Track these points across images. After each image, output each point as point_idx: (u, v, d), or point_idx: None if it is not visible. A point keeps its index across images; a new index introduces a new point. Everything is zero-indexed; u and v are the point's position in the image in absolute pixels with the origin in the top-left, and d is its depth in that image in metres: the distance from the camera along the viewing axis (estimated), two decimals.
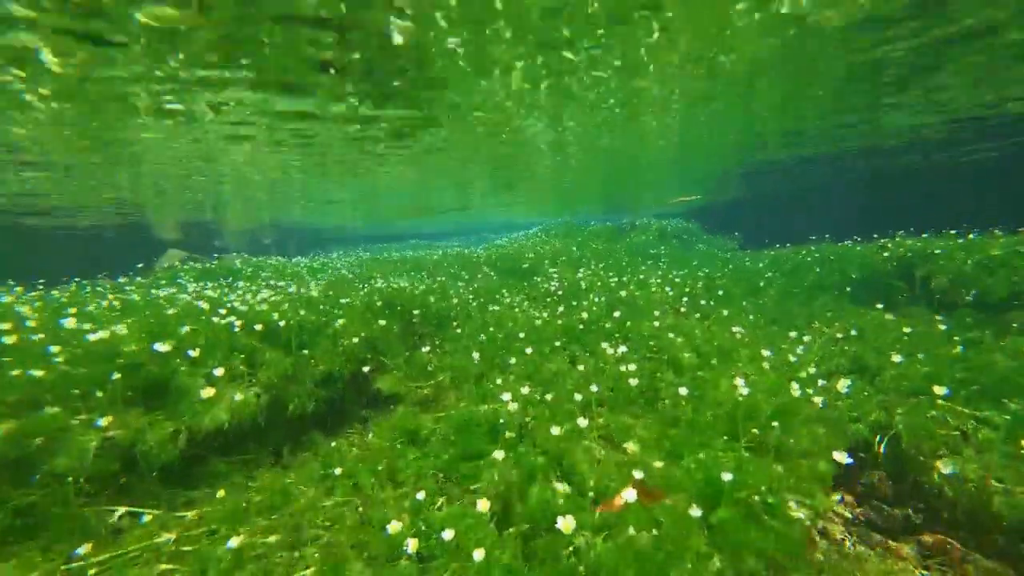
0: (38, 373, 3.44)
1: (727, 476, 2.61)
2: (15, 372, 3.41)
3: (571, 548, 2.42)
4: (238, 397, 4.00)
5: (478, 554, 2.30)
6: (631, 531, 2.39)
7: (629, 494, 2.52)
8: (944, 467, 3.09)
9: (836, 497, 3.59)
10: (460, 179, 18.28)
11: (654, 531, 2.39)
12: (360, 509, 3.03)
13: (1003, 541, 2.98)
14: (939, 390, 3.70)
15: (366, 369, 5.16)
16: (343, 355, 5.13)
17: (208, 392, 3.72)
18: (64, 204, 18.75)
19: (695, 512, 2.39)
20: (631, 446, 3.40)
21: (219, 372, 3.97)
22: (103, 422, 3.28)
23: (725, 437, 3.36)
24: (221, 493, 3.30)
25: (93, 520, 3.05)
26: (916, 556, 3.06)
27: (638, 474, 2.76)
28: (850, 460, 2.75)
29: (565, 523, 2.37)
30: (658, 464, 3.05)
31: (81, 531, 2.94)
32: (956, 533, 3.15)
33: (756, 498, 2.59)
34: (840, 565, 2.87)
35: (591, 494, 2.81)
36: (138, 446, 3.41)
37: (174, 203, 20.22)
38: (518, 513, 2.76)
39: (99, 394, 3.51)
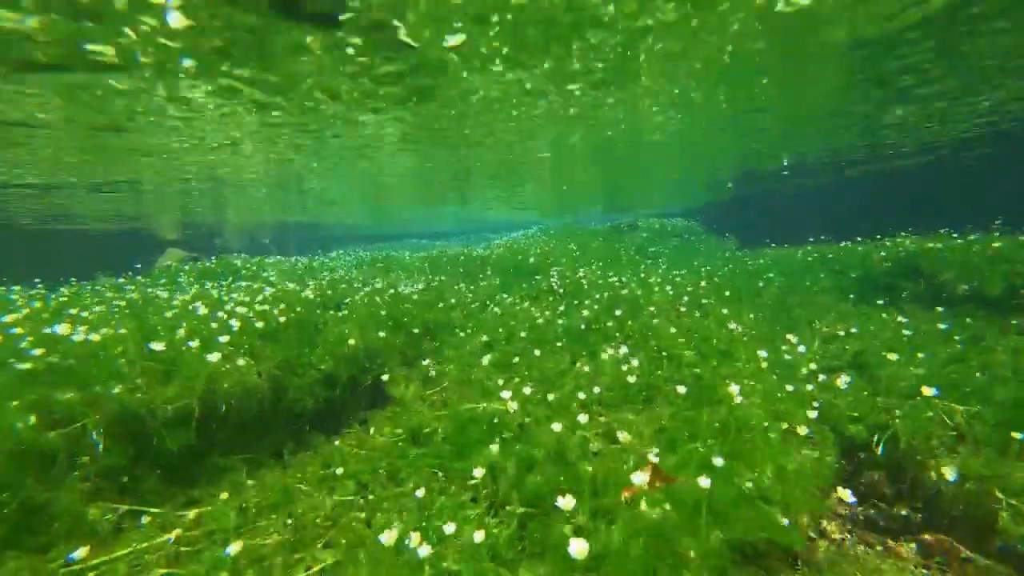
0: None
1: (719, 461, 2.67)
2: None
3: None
4: (240, 362, 4.29)
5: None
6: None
7: (640, 477, 2.53)
8: (949, 474, 3.07)
9: (836, 496, 3.59)
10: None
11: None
12: (362, 509, 3.03)
13: (1003, 541, 2.97)
14: (928, 391, 3.72)
15: (367, 371, 5.16)
16: (343, 358, 5.13)
17: (215, 356, 4.04)
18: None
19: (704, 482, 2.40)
20: (626, 438, 3.40)
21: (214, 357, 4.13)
22: (117, 389, 3.45)
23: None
24: (224, 495, 3.30)
25: (97, 517, 3.05)
26: (916, 556, 3.06)
27: (654, 457, 2.81)
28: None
29: (565, 502, 2.43)
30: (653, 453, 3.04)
31: (85, 529, 2.94)
32: (956, 533, 3.15)
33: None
34: (840, 565, 2.86)
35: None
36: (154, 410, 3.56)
37: (174, 204, 20.15)
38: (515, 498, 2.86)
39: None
